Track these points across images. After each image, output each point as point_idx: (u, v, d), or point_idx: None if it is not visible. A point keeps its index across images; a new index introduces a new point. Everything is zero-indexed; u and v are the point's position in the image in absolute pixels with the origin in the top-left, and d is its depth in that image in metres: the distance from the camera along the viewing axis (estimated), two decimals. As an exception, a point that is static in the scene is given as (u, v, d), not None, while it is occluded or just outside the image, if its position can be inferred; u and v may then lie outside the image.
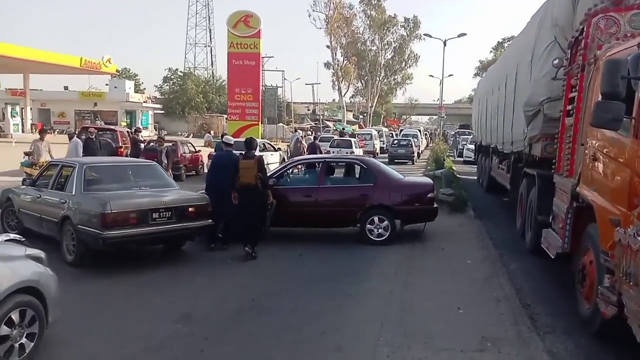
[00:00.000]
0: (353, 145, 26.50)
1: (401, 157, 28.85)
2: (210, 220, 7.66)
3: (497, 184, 13.72)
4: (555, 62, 6.94)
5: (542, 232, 6.97)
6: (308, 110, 70.88)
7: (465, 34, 38.03)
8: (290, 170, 9.76)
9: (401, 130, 46.89)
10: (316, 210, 8.81)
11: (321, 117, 61.42)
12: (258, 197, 7.81)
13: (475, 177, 19.14)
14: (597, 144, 5.09)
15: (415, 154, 30.61)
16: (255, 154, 8.26)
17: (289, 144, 26.18)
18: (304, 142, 21.88)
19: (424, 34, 49.69)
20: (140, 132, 23.83)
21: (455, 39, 38.61)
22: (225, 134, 20.69)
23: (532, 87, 8.19)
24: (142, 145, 17.39)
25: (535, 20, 9.09)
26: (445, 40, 37.41)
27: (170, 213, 7.15)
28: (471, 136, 31.11)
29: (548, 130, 7.63)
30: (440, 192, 12.21)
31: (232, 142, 9.21)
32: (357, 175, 9.63)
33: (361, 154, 26.86)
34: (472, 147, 25.11)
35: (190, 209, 7.41)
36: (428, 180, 10.11)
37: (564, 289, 6.07)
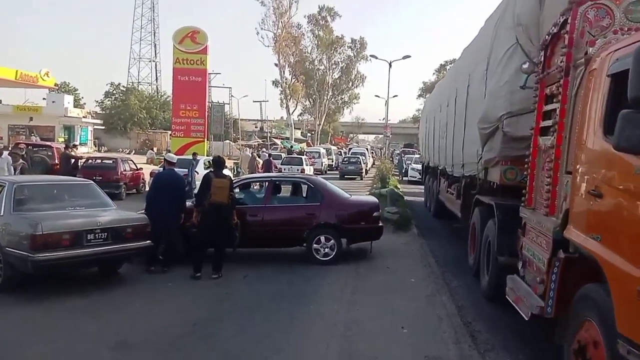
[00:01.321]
0: (303, 162, 27.71)
1: (351, 173, 31.22)
2: (149, 242, 7.42)
3: (447, 209, 12.24)
4: (525, 66, 5.76)
5: (505, 277, 5.64)
6: (256, 127, 70.60)
7: (409, 56, 39.02)
8: (237, 189, 9.61)
9: (350, 149, 49.05)
10: (262, 230, 8.72)
11: (269, 134, 61.36)
12: (230, 217, 7.88)
13: (422, 199, 18.17)
14: (605, 175, 3.61)
15: (364, 171, 33.09)
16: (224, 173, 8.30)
17: (237, 161, 26.09)
18: (259, 159, 22.07)
19: (370, 55, 50.83)
20: (76, 147, 22.91)
21: (400, 61, 39.44)
22: (169, 151, 20.24)
23: (488, 100, 7.02)
24: (80, 162, 16.72)
25: (492, 23, 7.87)
26: (390, 62, 38.72)
27: (106, 234, 6.87)
28: (416, 155, 32.37)
29: (509, 152, 6.62)
30: (385, 211, 12.40)
31: (175, 160, 9.02)
32: (304, 194, 9.64)
33: (311, 171, 27.50)
34: (418, 166, 25.73)
35: (127, 229, 7.16)
36: (373, 199, 10.25)
37: (502, 305, 6.25)
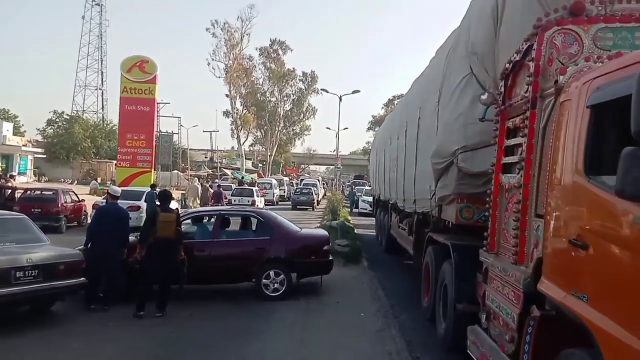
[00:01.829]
0: (254, 194, 27.28)
1: (303, 204, 32.24)
2: (83, 279, 7.11)
3: (399, 245, 11.77)
4: (484, 97, 5.17)
5: (465, 327, 5.14)
6: (205, 157, 69.72)
7: (359, 91, 40.13)
8: (184, 223, 9.39)
9: (302, 180, 50.47)
10: (210, 265, 8.53)
11: (219, 164, 60.72)
12: (177, 252, 7.66)
13: (374, 232, 17.72)
14: (590, 222, 3.07)
15: (316, 202, 34.03)
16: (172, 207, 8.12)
17: (184, 192, 25.58)
18: (211, 190, 21.77)
19: (320, 89, 51.62)
20: (13, 178, 21.87)
21: (350, 95, 40.38)
22: (114, 182, 19.68)
23: (441, 134, 6.61)
24: (17, 194, 15.91)
25: (443, 53, 7.46)
26: (340, 96, 39.42)
27: (36, 271, 6.53)
28: (366, 187, 32.73)
29: (464, 189, 6.06)
30: (336, 243, 12.43)
31: (119, 194, 8.74)
32: (253, 228, 9.53)
33: (262, 203, 27.27)
34: (368, 198, 25.95)
35: (60, 266, 6.86)
36: (324, 232, 10.26)
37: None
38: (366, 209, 26.93)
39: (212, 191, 21.17)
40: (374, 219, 18.82)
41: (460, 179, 6.05)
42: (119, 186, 24.89)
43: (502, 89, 4.97)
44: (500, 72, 5.11)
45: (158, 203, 8.42)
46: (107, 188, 14.85)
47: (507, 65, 4.82)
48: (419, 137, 8.56)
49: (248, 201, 25.53)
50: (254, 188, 28.95)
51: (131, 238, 8.09)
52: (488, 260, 4.87)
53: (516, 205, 4.26)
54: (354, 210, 30.87)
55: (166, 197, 8.11)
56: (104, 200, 9.98)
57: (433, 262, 7.14)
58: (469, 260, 5.39)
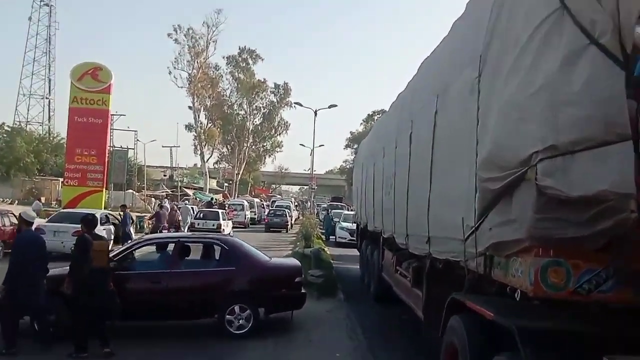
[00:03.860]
0: (220, 216, 26.27)
1: (277, 226, 34.54)
2: None
3: (396, 294, 9.30)
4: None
5: None
6: (164, 175, 68.87)
7: (335, 105, 40.34)
8: (137, 251, 9.15)
9: (273, 202, 51.36)
10: (167, 299, 8.29)
11: (179, 183, 60.03)
12: (109, 283, 7.49)
13: (356, 266, 15.77)
14: None
15: (289, 224, 35.96)
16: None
17: (141, 215, 25.15)
18: (179, 212, 21.70)
19: (294, 102, 51.86)
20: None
21: (326, 110, 40.60)
22: (59, 201, 19.21)
23: (499, 126, 3.97)
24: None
25: None
26: (316, 110, 39.75)
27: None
28: (345, 211, 32.20)
29: (553, 230, 3.47)
30: (309, 274, 12.30)
31: (34, 220, 8.20)
32: (216, 257, 9.33)
33: (230, 227, 26.71)
34: (348, 225, 24.34)
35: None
36: (295, 262, 10.12)
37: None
38: (345, 238, 24.67)
39: (178, 213, 20.96)
40: (354, 250, 17.30)
41: (544, 209, 3.45)
42: (65, 207, 24.37)
43: None
44: None
45: (80, 228, 8.03)
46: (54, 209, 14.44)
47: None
48: (437, 140, 6.01)
49: (213, 225, 24.89)
50: (219, 211, 28.30)
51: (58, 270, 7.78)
52: None
53: None
54: (331, 238, 27.91)
55: (92, 223, 7.93)
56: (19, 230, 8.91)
57: (467, 346, 4.48)
58: None
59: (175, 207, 25.16)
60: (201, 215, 26.59)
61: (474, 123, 4.59)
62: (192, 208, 29.96)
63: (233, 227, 28.49)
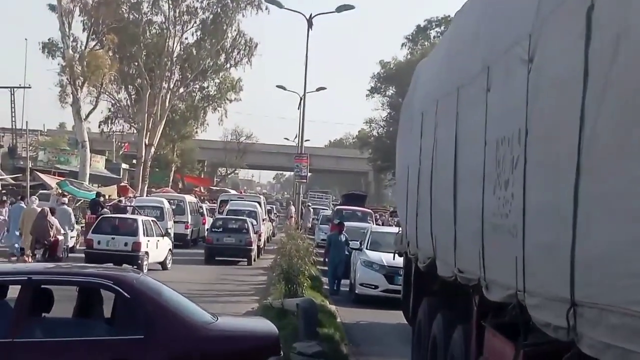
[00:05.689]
0: (140, 227, 15.57)
1: (229, 252, 19.36)
2: None
3: None
4: None
5: None
6: (1, 145, 39.07)
7: (352, 7, 23.50)
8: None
9: (223, 202, 27.63)
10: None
11: (30, 163, 28.74)
12: None
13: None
14: None
15: (255, 247, 20.11)
16: None
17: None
18: (54, 218, 13.60)
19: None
20: None
21: (331, 16, 24.29)
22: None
23: None
24: None
25: None
26: (309, 18, 23.25)
27: None
28: (373, 226, 18.59)
29: None
30: (294, 348, 7.45)
31: None
32: (105, 315, 5.46)
33: (166, 247, 17.03)
34: (382, 258, 12.86)
35: None
36: (267, 326, 5.78)
37: None
38: (377, 287, 12.89)
39: (53, 220, 13.39)
40: (398, 314, 8.92)
41: None
42: None
43: None
44: None
45: None
46: None
47: None
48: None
49: (125, 244, 14.99)
50: (140, 218, 16.49)
51: None
52: None
53: None
54: (341, 287, 14.85)
55: None
56: None
57: None
58: None
59: (47, 210, 14.28)
60: (105, 224, 15.61)
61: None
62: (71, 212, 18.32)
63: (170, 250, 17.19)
